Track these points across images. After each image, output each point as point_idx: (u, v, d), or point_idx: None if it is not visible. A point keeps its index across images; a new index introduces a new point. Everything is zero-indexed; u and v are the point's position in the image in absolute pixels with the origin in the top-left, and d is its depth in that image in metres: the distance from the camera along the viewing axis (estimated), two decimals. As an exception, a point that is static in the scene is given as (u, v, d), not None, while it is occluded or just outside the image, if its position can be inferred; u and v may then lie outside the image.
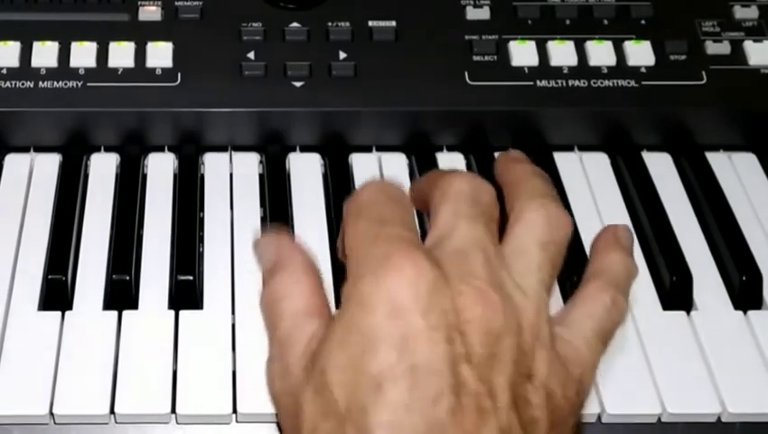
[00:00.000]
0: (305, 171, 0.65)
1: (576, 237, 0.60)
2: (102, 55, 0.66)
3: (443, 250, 0.47)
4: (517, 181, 0.53)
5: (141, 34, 0.67)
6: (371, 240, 0.46)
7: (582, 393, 0.47)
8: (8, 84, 0.64)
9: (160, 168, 0.65)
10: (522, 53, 0.67)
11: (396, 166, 0.66)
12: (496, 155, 0.66)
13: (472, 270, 0.46)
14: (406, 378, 0.42)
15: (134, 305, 0.57)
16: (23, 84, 0.64)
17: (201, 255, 0.60)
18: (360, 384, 0.43)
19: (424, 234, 0.49)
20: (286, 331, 0.47)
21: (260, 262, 0.51)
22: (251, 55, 0.66)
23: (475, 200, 0.49)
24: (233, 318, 0.56)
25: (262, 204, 0.63)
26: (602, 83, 0.67)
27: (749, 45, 0.68)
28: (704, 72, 0.67)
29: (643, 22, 0.69)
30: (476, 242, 0.47)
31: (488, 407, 0.43)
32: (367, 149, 0.67)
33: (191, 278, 0.57)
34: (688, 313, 0.58)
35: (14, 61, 0.65)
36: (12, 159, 0.65)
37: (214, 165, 0.65)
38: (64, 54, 0.65)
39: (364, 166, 0.66)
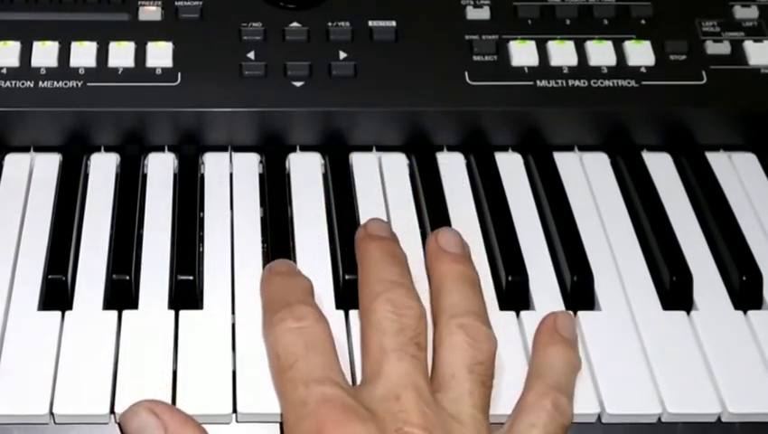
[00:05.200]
0: (305, 171, 0.65)
1: (576, 237, 0.61)
2: (102, 55, 0.66)
3: (374, 393, 0.48)
4: (440, 287, 0.54)
5: (141, 34, 0.67)
6: (301, 409, 0.47)
7: None
8: (8, 84, 0.64)
9: (160, 168, 0.65)
10: (522, 53, 0.67)
11: (396, 166, 0.66)
12: (496, 155, 0.66)
13: (407, 416, 0.47)
14: None
15: (134, 305, 0.57)
16: (23, 84, 0.64)
17: (201, 255, 0.60)
18: None
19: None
20: None
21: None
22: (251, 55, 0.66)
23: (400, 328, 0.50)
24: (233, 318, 0.56)
25: (262, 204, 0.63)
26: (602, 83, 0.67)
27: (749, 45, 0.68)
28: (704, 72, 0.67)
29: (643, 22, 0.69)
30: (406, 381, 0.48)
31: None
32: (367, 149, 0.67)
33: (191, 278, 0.57)
34: (688, 313, 0.58)
35: (14, 61, 0.65)
36: (12, 159, 0.65)
37: (214, 165, 0.65)
38: (64, 54, 0.65)
39: (364, 166, 0.66)
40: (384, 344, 0.50)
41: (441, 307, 0.53)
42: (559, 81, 0.66)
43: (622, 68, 0.67)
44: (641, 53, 0.67)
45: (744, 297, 0.59)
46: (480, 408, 0.49)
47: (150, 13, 0.68)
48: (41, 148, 0.66)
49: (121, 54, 0.66)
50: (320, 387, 0.47)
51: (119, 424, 0.50)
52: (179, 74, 0.65)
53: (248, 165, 0.65)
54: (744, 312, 0.58)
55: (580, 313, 0.57)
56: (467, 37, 0.68)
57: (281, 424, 0.51)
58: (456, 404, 0.49)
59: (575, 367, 0.53)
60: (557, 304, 0.58)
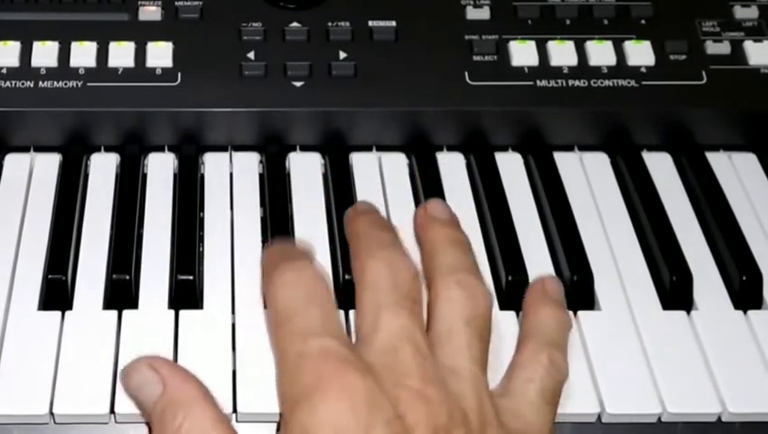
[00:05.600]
0: (305, 171, 0.65)
1: (576, 237, 0.61)
2: (102, 55, 0.66)
3: (371, 348, 0.47)
4: (432, 250, 0.54)
5: (141, 34, 0.67)
6: (298, 362, 0.46)
7: None
8: (8, 84, 0.64)
9: (160, 168, 0.65)
10: (522, 53, 0.67)
11: (396, 166, 0.66)
12: (496, 155, 0.66)
13: (405, 370, 0.46)
14: None
15: (134, 305, 0.57)
16: (23, 84, 0.64)
17: (201, 255, 0.60)
18: None
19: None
20: None
21: (139, 399, 0.48)
22: (251, 55, 0.66)
23: (394, 284, 0.49)
24: (233, 318, 0.56)
25: (262, 204, 0.63)
26: (602, 83, 0.67)
27: (749, 45, 0.68)
28: (704, 72, 0.67)
29: (643, 22, 0.69)
30: (403, 334, 0.48)
31: None
32: (367, 149, 0.67)
33: (191, 278, 0.57)
34: (688, 313, 0.58)
35: (14, 61, 0.65)
36: (12, 159, 0.65)
37: (214, 165, 0.65)
38: (64, 54, 0.65)
39: (364, 166, 0.66)
40: (379, 300, 0.49)
41: (435, 267, 0.53)
42: (559, 81, 0.66)
43: (622, 68, 0.67)
44: (641, 53, 0.68)
45: (744, 297, 0.59)
46: (478, 362, 0.49)
47: (150, 13, 0.68)
48: (41, 148, 0.66)
49: (121, 54, 0.66)
50: (319, 340, 0.46)
51: (121, 380, 0.50)
52: (179, 74, 0.65)
53: (248, 165, 0.65)
54: (744, 312, 0.58)
55: (580, 313, 0.57)
56: (467, 37, 0.68)
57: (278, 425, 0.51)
58: (454, 358, 0.48)
59: (567, 325, 0.53)
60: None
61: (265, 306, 0.52)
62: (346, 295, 0.57)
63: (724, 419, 0.54)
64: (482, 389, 0.48)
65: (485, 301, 0.51)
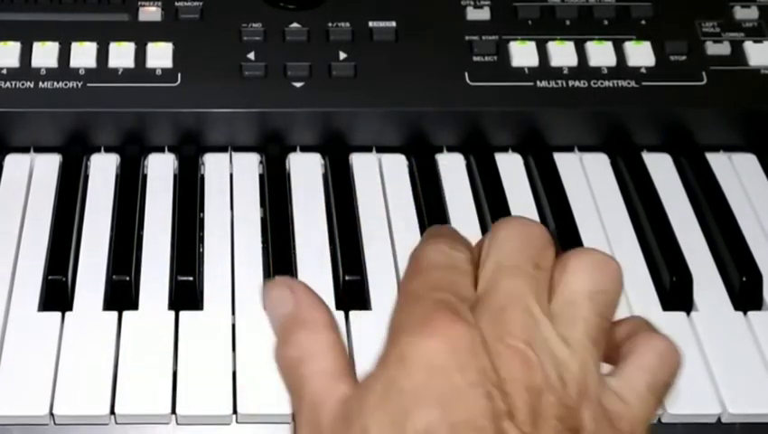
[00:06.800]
0: (305, 171, 0.65)
1: (576, 238, 0.61)
2: (102, 55, 0.66)
3: (484, 307, 0.47)
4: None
5: (141, 34, 0.67)
6: (416, 302, 0.47)
7: None
8: (8, 84, 0.64)
9: (160, 168, 0.65)
10: (522, 54, 0.67)
11: (395, 167, 0.66)
12: (496, 155, 0.66)
13: (510, 330, 0.46)
14: None
15: (134, 305, 0.57)
16: (23, 84, 0.64)
17: (201, 255, 0.60)
18: None
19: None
20: (316, 393, 0.47)
21: (272, 314, 0.51)
22: (251, 55, 0.66)
23: (520, 248, 0.49)
24: (233, 318, 0.56)
25: (262, 204, 0.63)
26: (602, 83, 0.67)
27: (749, 46, 0.68)
28: (704, 73, 0.67)
29: (643, 22, 0.69)
30: (515, 298, 0.47)
31: None
32: (367, 149, 0.67)
33: (191, 278, 0.57)
34: (688, 313, 0.58)
35: (14, 61, 0.65)
36: (12, 159, 0.65)
37: (214, 166, 0.65)
38: (64, 54, 0.65)
39: (364, 167, 0.66)
40: (501, 262, 0.48)
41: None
42: (559, 82, 0.66)
43: (622, 68, 0.67)
44: (641, 54, 0.68)
45: (744, 298, 0.59)
46: (591, 336, 0.47)
47: (150, 13, 0.68)
48: (41, 149, 0.66)
49: (121, 55, 0.66)
50: (445, 294, 0.47)
51: (262, 296, 0.52)
52: (179, 75, 0.65)
53: (248, 166, 0.65)
54: (744, 312, 0.58)
55: (580, 313, 0.57)
56: (467, 37, 0.68)
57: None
58: (569, 329, 0.47)
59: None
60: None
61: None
62: (346, 295, 0.57)
63: (724, 421, 0.54)
64: (589, 364, 0.46)
65: (613, 276, 0.49)
